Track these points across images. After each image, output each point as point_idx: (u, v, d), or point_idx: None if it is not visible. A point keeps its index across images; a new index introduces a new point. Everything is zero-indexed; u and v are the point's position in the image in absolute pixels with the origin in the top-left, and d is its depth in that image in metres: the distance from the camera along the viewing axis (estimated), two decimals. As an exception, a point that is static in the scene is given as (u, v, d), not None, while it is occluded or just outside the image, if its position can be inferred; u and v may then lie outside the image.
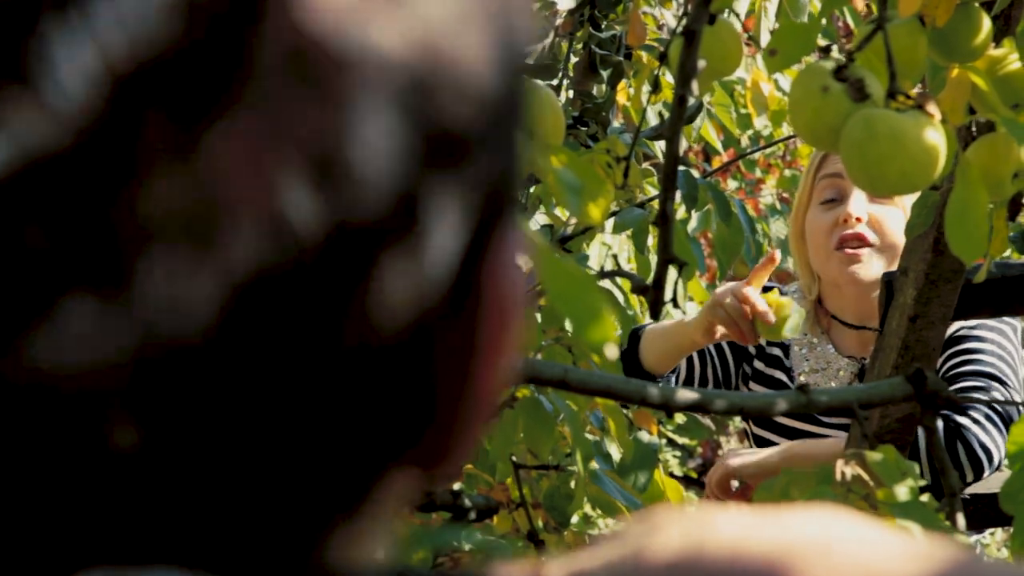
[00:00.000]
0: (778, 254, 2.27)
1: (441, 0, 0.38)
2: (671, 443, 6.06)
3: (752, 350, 2.48)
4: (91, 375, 0.35)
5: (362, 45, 0.37)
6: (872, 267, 2.31)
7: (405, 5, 0.38)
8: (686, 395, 1.34)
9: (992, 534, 4.82)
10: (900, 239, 2.22)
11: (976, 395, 2.16)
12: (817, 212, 2.36)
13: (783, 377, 2.46)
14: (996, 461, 2.18)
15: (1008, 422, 2.19)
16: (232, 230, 0.35)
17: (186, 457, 0.37)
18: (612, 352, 0.87)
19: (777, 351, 2.47)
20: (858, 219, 2.30)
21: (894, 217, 2.30)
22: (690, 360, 2.45)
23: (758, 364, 2.48)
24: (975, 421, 2.16)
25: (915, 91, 1.18)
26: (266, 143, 0.36)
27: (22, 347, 0.35)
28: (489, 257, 0.41)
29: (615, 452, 1.98)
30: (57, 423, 0.36)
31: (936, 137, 1.11)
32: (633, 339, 2.39)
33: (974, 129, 1.39)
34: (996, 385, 2.21)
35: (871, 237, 2.31)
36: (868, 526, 0.44)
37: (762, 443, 2.45)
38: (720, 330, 2.22)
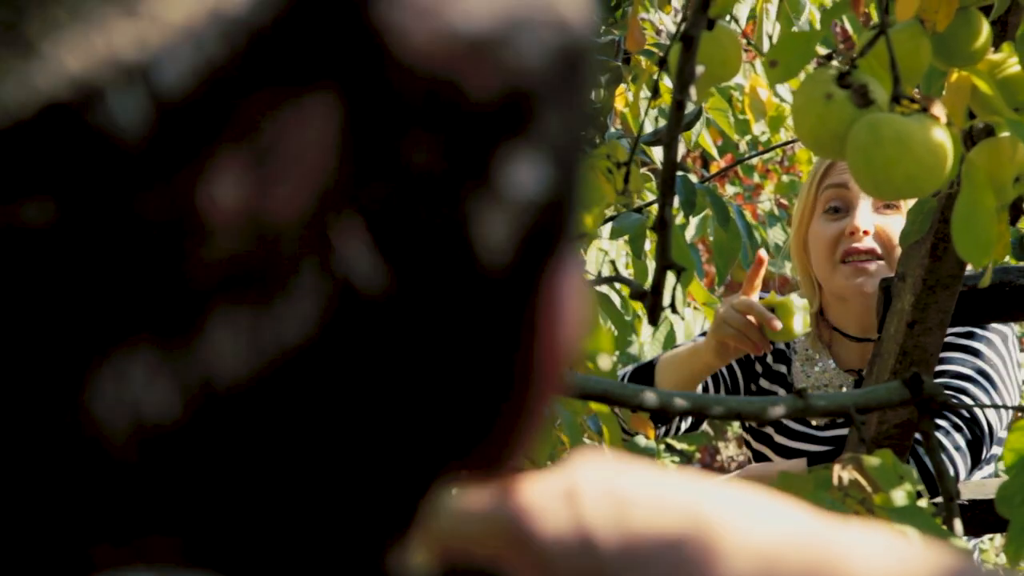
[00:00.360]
0: (765, 255, 2.25)
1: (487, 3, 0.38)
2: (669, 448, 6.06)
3: (759, 368, 2.46)
4: (149, 427, 0.35)
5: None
6: (879, 280, 2.29)
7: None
8: (683, 401, 1.34)
9: (991, 539, 4.81)
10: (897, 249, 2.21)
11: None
12: (821, 223, 2.32)
13: (784, 394, 2.45)
14: (961, 471, 2.17)
15: (981, 433, 2.18)
16: (294, 282, 0.36)
17: (264, 488, 0.37)
18: (605, 363, 0.88)
19: (782, 368, 2.44)
20: (865, 232, 2.28)
21: (900, 227, 2.27)
22: (704, 385, 2.42)
23: (764, 383, 2.46)
24: (946, 433, 2.16)
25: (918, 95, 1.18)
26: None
27: (83, 398, 0.35)
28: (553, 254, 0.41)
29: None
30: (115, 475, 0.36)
31: (943, 140, 1.11)
32: (646, 373, 2.35)
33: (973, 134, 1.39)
34: (973, 394, 2.20)
35: (879, 250, 2.29)
36: (768, 501, 0.44)
37: (761, 459, 2.43)
38: (732, 346, 2.20)
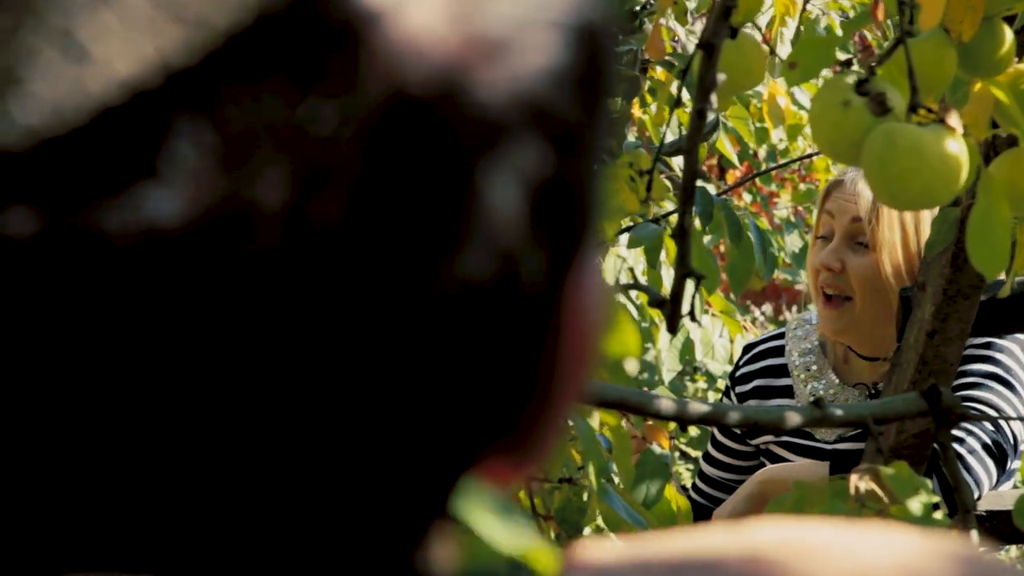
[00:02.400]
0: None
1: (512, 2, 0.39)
2: (684, 456, 6.05)
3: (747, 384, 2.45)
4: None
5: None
6: (838, 321, 2.27)
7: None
8: (699, 408, 1.34)
9: (1007, 551, 4.80)
10: (871, 288, 2.21)
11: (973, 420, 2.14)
12: (815, 249, 2.32)
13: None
14: (985, 489, 2.16)
15: (1007, 445, 2.17)
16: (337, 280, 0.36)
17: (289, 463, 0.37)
18: (632, 366, 0.87)
19: (787, 381, 2.42)
20: (830, 269, 2.27)
21: (867, 269, 2.24)
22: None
23: (773, 401, 2.44)
24: (971, 451, 2.15)
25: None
26: None
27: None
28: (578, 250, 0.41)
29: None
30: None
31: (958, 151, 1.11)
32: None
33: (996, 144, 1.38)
34: (994, 404, 2.19)
35: (840, 287, 2.25)
36: (853, 528, 0.44)
37: (776, 460, 2.43)
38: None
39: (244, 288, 0.36)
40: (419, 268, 0.37)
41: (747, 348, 2.47)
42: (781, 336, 2.44)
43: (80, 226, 0.35)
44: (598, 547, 0.44)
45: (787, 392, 2.39)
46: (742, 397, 2.43)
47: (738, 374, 2.45)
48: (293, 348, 0.36)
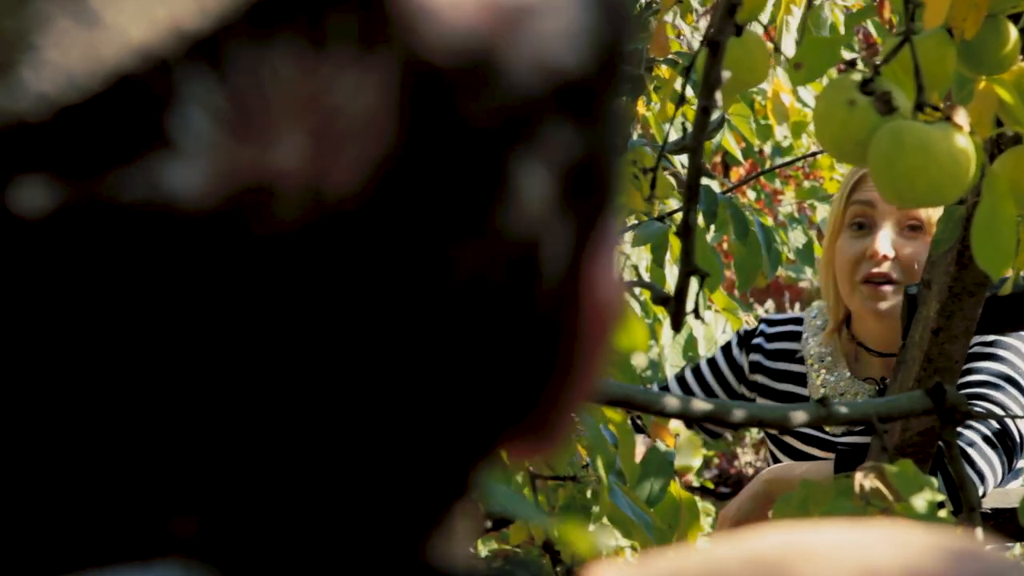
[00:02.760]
0: None
1: None
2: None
3: (760, 380, 2.45)
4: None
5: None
6: (890, 305, 2.28)
7: None
8: (704, 406, 1.34)
9: (1012, 548, 4.80)
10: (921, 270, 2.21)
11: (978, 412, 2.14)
12: (846, 239, 2.31)
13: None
14: (990, 484, 2.16)
15: (1012, 441, 2.17)
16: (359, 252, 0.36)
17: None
18: (640, 360, 0.87)
19: (798, 368, 2.43)
20: (885, 256, 2.27)
21: (922, 251, 2.25)
22: (686, 386, 2.44)
23: (782, 385, 2.44)
24: (970, 443, 2.14)
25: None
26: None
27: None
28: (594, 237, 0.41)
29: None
30: None
31: (965, 148, 1.11)
32: None
33: (1001, 142, 1.38)
34: (1000, 401, 2.18)
35: (896, 275, 2.27)
36: (857, 529, 0.44)
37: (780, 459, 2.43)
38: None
39: (262, 260, 0.35)
40: (441, 244, 0.37)
41: (769, 322, 2.48)
42: (799, 322, 2.45)
43: (96, 196, 0.34)
44: (604, 567, 0.44)
45: (798, 379, 2.40)
46: (753, 367, 2.44)
47: (753, 342, 2.45)
48: (313, 325, 0.36)
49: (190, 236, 0.34)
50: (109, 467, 0.36)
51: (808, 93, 3.15)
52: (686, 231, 1.20)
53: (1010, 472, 2.21)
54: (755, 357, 2.45)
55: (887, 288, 2.26)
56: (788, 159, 3.73)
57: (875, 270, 2.26)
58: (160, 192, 0.34)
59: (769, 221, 2.84)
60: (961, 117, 1.12)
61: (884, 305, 2.26)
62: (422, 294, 0.37)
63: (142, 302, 0.35)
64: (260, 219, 0.35)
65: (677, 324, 1.25)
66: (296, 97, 0.35)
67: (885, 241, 2.26)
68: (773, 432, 2.39)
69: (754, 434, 5.60)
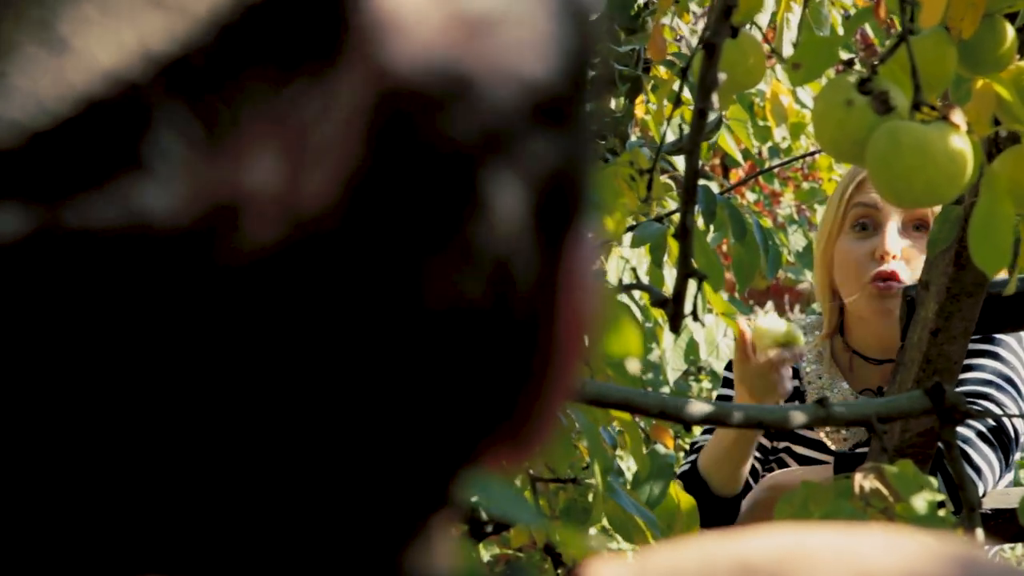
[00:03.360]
0: (746, 328, 2.25)
1: None
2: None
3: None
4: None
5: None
6: (897, 304, 2.27)
7: None
8: (703, 408, 1.34)
9: (1012, 548, 4.80)
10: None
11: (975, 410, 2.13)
12: (848, 241, 2.29)
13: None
14: (988, 480, 2.15)
15: (1007, 438, 2.17)
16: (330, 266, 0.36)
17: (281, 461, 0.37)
18: (634, 366, 0.87)
19: (797, 383, 2.41)
20: (894, 256, 2.26)
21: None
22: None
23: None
24: (964, 440, 2.14)
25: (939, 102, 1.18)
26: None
27: None
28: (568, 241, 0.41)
29: (631, 466, 1.98)
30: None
31: (962, 148, 1.11)
32: (693, 478, 2.31)
33: (999, 141, 1.38)
34: (998, 400, 2.18)
35: (904, 275, 2.26)
36: (852, 533, 0.44)
37: (783, 466, 2.42)
38: (752, 384, 2.21)
39: (237, 279, 0.35)
40: (415, 260, 0.37)
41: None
42: None
43: (68, 221, 0.34)
44: (600, 564, 0.44)
45: (796, 396, 2.39)
46: None
47: None
48: (288, 342, 0.36)
49: (164, 257, 0.35)
50: (82, 490, 0.36)
51: (807, 94, 3.15)
52: (684, 233, 1.20)
53: (1007, 468, 2.21)
54: None
55: (897, 286, 2.25)
56: (786, 159, 3.73)
57: (884, 268, 2.25)
58: (133, 214, 0.34)
59: (768, 223, 2.84)
60: (958, 117, 1.12)
61: (893, 304, 2.24)
62: (396, 310, 0.37)
63: (117, 323, 0.35)
64: (233, 239, 0.35)
65: (676, 327, 1.25)
66: (266, 117, 0.35)
67: (894, 240, 2.25)
68: (786, 443, 2.38)
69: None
